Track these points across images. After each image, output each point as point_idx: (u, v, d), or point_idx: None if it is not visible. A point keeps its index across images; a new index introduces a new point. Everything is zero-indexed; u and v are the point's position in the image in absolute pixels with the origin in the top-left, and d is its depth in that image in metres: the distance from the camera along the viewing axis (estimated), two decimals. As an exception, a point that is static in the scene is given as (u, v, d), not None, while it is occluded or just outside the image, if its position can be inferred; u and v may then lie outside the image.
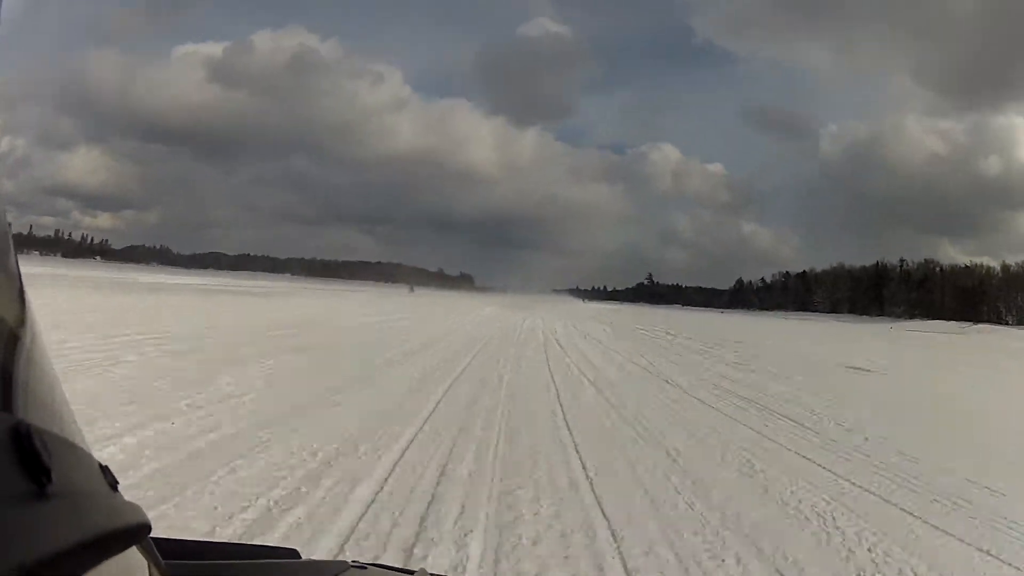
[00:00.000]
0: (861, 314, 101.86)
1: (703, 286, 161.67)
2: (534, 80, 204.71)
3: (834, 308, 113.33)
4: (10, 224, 0.45)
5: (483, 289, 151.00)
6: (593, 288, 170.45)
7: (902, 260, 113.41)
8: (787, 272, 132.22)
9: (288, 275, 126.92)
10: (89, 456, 0.45)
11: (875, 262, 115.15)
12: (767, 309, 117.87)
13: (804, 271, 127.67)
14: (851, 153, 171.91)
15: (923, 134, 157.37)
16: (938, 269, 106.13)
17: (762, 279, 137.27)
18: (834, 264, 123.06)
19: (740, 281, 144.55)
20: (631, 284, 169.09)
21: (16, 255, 0.45)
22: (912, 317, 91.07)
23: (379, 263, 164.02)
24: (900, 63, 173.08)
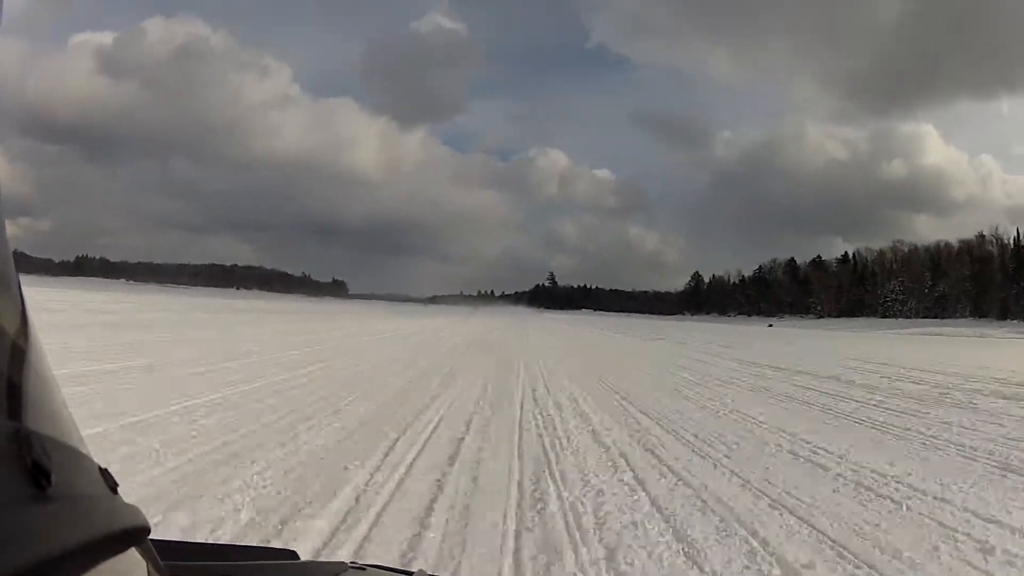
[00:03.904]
0: (981, 316, 70.24)
1: (619, 288, 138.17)
2: (423, 78, 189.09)
3: (921, 309, 76.74)
4: (9, 237, 0.46)
5: (356, 297, 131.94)
6: (479, 293, 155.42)
7: (981, 236, 79.53)
8: (792, 259, 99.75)
9: (124, 280, 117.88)
10: (89, 460, 0.46)
11: (976, 235, 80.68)
12: (771, 314, 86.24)
13: (849, 254, 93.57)
14: (746, 158, 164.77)
15: (824, 139, 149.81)
16: None
17: (749, 273, 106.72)
18: (891, 240, 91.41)
19: (698, 277, 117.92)
20: (523, 288, 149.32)
21: (16, 266, 0.46)
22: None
23: (234, 266, 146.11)
24: (806, 69, 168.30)
